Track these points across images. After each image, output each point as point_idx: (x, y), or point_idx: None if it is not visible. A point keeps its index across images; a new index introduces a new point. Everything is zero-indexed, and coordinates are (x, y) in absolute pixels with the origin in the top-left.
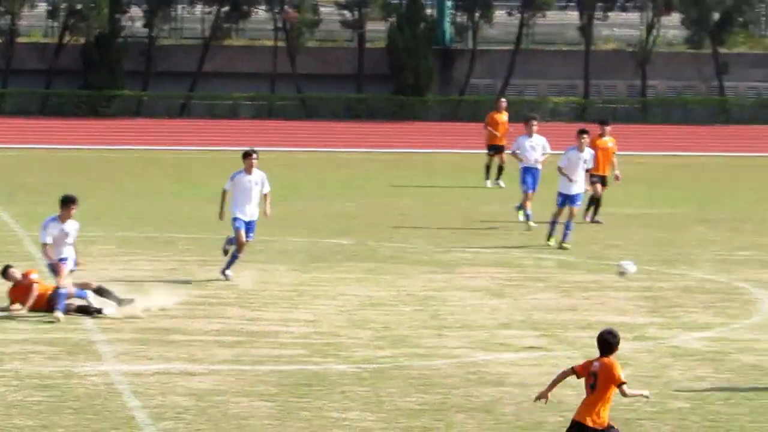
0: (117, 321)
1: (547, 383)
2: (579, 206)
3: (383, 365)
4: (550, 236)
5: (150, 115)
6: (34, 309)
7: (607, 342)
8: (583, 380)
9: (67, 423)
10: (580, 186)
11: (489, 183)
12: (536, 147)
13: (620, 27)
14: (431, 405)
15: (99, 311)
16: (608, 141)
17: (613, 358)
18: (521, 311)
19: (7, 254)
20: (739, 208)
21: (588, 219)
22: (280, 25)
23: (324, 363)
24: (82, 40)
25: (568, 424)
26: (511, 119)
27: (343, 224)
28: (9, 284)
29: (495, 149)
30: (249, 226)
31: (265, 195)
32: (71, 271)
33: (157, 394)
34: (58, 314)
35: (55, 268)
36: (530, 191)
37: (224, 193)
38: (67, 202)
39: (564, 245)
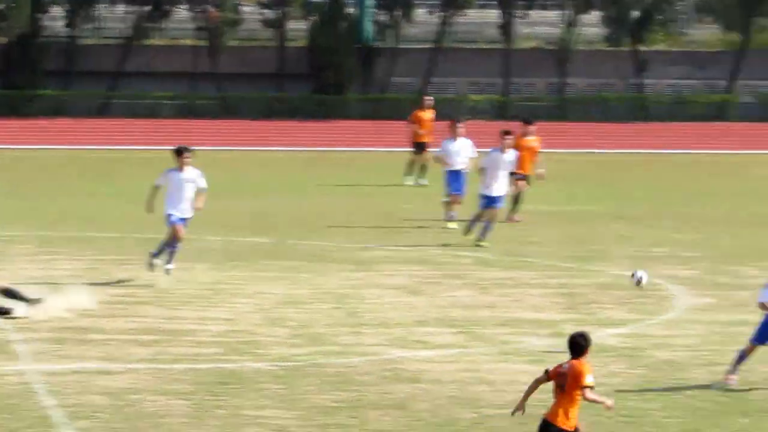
0: (33, 320)
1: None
2: (500, 207)
3: (300, 363)
4: (468, 231)
5: (71, 114)
6: None
7: (578, 344)
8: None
9: None
10: (502, 188)
11: (410, 180)
12: (461, 150)
13: (540, 25)
14: (347, 402)
15: (8, 312)
16: (532, 140)
17: (583, 361)
18: (438, 308)
19: None
20: (656, 205)
21: (512, 219)
22: (201, 24)
23: (240, 361)
24: (3, 40)
25: (482, 421)
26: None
27: (261, 222)
28: None
29: (419, 147)
30: (182, 221)
31: (200, 192)
32: None
33: (73, 393)
34: None
35: None
36: (458, 195)
37: (154, 187)
38: None
39: (481, 243)
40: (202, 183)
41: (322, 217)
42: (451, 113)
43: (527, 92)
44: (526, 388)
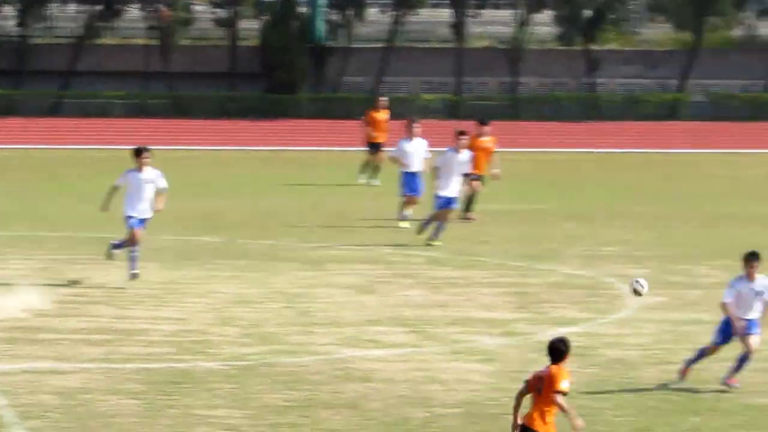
0: None
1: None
2: (455, 208)
3: (251, 362)
4: (421, 230)
5: (23, 113)
6: None
7: (558, 349)
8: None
9: None
10: (456, 188)
11: (363, 179)
12: (417, 151)
13: (492, 24)
14: (298, 401)
15: None
16: (487, 141)
17: (562, 366)
18: (390, 308)
19: None
20: (608, 203)
21: (465, 217)
22: (153, 23)
23: (192, 360)
24: None
25: (434, 420)
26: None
27: (213, 222)
28: None
29: (374, 147)
30: (141, 223)
31: (160, 192)
32: None
33: (24, 392)
34: None
35: None
36: (415, 195)
37: (112, 188)
38: None
39: (433, 243)
40: (162, 183)
41: (274, 216)
42: (403, 113)
43: (479, 91)
44: (513, 403)
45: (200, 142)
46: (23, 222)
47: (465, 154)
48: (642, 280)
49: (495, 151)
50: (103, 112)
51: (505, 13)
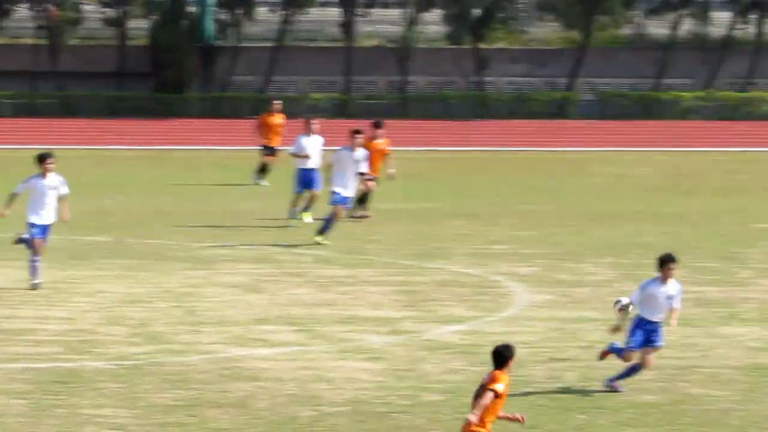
0: None
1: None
2: (348, 206)
3: (139, 362)
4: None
5: None
6: None
7: (500, 354)
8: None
9: None
10: (350, 187)
11: (258, 180)
12: (315, 147)
13: (381, 23)
14: (186, 401)
15: None
16: (381, 143)
17: (505, 371)
18: (278, 306)
19: None
20: (496, 202)
21: (357, 215)
22: (41, 23)
23: (80, 360)
24: None
25: (321, 419)
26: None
27: (101, 221)
28: None
29: (269, 149)
30: (44, 229)
31: (62, 198)
32: None
33: None
34: None
35: None
36: (314, 191)
37: (12, 195)
38: None
39: (321, 241)
40: (65, 190)
41: (163, 215)
42: (293, 112)
43: (369, 90)
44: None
45: (89, 142)
46: None
47: (360, 153)
48: (623, 299)
49: (389, 153)
50: None
51: (395, 12)
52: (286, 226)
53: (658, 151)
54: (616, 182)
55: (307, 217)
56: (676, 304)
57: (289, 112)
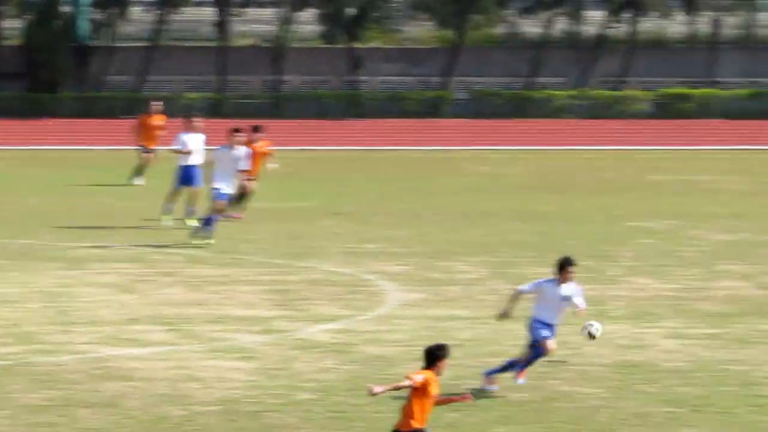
0: None
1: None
2: (226, 203)
3: (9, 362)
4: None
5: None
6: None
7: (431, 353)
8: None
9: None
10: (229, 185)
11: (138, 181)
12: (196, 144)
13: (256, 23)
14: (56, 401)
15: None
16: (260, 145)
17: (434, 372)
18: (150, 306)
19: None
20: (369, 201)
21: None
22: None
23: None
24: None
25: (192, 418)
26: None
27: None
28: None
29: (147, 150)
30: None
31: None
32: None
33: None
34: None
35: None
36: (194, 187)
37: None
38: None
39: (197, 240)
40: None
41: (35, 216)
42: (167, 112)
43: (243, 90)
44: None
45: None
46: None
47: (239, 151)
48: (596, 324)
49: (270, 152)
50: None
51: (269, 12)
52: (160, 227)
53: (531, 150)
54: (490, 181)
55: (192, 222)
56: (581, 303)
57: (165, 112)
